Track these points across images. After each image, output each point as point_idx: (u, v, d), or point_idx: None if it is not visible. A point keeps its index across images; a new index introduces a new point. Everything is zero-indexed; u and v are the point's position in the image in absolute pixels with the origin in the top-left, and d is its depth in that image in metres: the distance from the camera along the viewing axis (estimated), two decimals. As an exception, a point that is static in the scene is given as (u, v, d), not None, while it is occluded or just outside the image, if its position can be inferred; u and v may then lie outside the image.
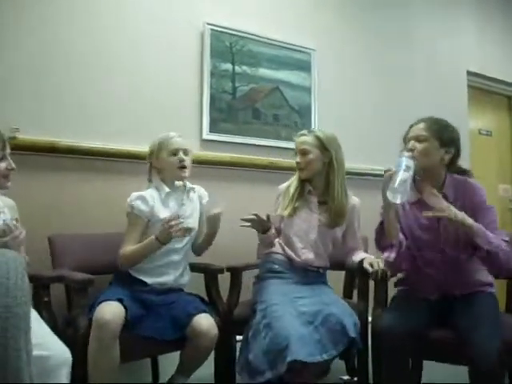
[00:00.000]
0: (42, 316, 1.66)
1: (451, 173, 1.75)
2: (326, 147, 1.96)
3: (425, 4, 3.61)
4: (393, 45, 3.38)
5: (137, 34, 2.39)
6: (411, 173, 1.56)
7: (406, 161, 1.57)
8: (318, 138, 1.97)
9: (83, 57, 2.24)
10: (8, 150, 1.59)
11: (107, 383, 1.57)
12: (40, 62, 2.15)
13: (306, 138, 1.98)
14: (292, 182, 2.04)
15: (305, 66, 2.92)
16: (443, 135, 1.67)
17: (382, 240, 1.76)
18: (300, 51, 2.90)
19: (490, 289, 1.74)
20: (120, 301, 1.63)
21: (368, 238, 2.13)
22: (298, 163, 1.99)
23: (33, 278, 0.76)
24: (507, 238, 1.63)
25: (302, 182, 2.01)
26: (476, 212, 1.64)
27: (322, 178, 2.00)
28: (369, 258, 1.95)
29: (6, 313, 0.66)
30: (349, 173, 2.91)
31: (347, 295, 2.27)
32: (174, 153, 1.90)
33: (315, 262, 1.97)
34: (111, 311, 1.58)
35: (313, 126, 2.88)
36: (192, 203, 2.00)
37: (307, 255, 1.95)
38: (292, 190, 2.00)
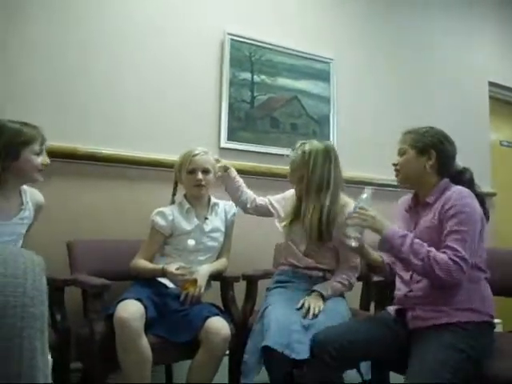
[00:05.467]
0: (55, 319, 1.68)
1: (451, 177, 1.68)
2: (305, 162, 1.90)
3: (446, 15, 3.58)
4: (413, 55, 3.36)
5: (157, 43, 2.42)
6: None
7: (359, 203, 1.59)
8: (303, 152, 1.90)
9: (103, 65, 2.29)
10: (45, 146, 1.64)
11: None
12: (60, 69, 2.19)
13: (292, 156, 1.95)
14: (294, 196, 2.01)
15: (324, 76, 2.92)
16: (418, 144, 1.69)
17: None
18: (319, 61, 2.90)
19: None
20: (139, 300, 1.65)
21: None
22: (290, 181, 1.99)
23: (49, 281, 0.76)
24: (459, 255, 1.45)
25: (299, 201, 1.98)
26: (445, 219, 1.54)
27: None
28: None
29: (23, 312, 0.66)
30: (365, 183, 2.91)
31: (364, 307, 2.23)
32: (192, 172, 1.95)
33: (318, 266, 1.92)
34: (129, 310, 1.60)
35: (331, 136, 2.87)
36: (217, 217, 2.02)
37: (307, 260, 1.92)
38: (290, 207, 1.99)
